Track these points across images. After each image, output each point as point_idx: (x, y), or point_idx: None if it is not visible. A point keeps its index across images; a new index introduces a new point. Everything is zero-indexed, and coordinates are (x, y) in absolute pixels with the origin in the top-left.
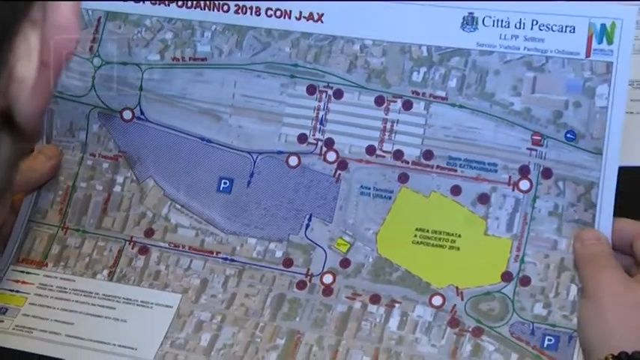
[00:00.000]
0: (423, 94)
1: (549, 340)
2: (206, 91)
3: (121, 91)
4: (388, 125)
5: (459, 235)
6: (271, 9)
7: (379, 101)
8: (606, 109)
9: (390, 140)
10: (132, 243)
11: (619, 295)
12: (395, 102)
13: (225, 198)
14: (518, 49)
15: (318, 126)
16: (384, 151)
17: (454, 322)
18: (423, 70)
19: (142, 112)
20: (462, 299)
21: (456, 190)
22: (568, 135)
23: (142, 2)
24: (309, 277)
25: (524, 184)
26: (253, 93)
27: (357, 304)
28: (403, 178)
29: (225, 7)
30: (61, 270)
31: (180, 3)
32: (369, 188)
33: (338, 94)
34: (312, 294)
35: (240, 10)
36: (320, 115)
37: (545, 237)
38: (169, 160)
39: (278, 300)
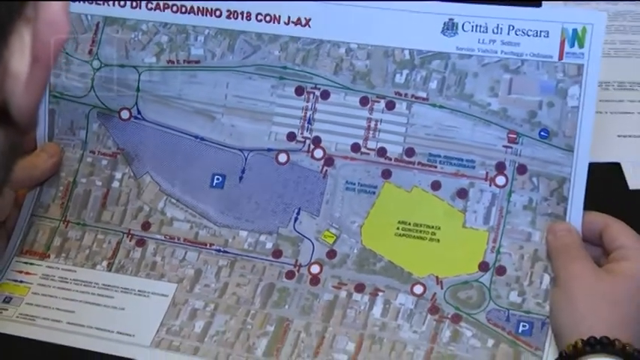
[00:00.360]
0: (405, 94)
1: (524, 326)
2: (200, 92)
3: (119, 92)
4: (372, 124)
5: (439, 228)
6: (261, 14)
7: (364, 101)
8: (577, 109)
9: (374, 138)
10: (130, 235)
11: (588, 284)
12: (379, 102)
13: (218, 193)
14: (496, 52)
15: (306, 125)
16: (368, 149)
17: (434, 310)
18: (405, 72)
19: (139, 112)
20: (442, 288)
21: (436, 186)
22: (542, 133)
23: (138, 8)
24: (297, 268)
25: (500, 180)
26: (245, 94)
27: (343, 293)
28: (386, 174)
29: (218, 13)
30: (63, 261)
31: (175, 8)
32: (354, 184)
33: (325, 95)
34: (300, 283)
35: (231, 16)
36: (308, 115)
37: (520, 229)
38: (165, 157)
39: (268, 289)
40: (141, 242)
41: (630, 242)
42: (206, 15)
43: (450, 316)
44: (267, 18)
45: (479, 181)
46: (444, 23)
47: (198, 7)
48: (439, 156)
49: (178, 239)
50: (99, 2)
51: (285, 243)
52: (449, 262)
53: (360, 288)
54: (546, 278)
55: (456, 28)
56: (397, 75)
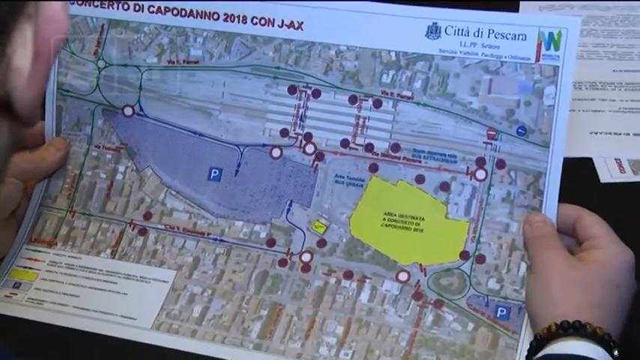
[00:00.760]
0: (392, 93)
1: (502, 310)
2: (198, 90)
3: (122, 90)
4: (360, 121)
5: (423, 219)
6: (256, 17)
7: (352, 100)
8: (553, 108)
9: (362, 134)
10: (132, 225)
11: (562, 272)
12: (366, 101)
13: (215, 185)
14: (477, 54)
15: (298, 122)
16: (356, 144)
17: (418, 296)
18: (391, 72)
19: (141, 109)
20: (425, 275)
21: (420, 179)
22: (519, 130)
23: (141, 11)
24: (289, 256)
25: (480, 174)
26: (240, 92)
27: (332, 280)
28: (373, 168)
29: (216, 16)
30: (69, 249)
31: (175, 12)
32: (343, 177)
33: (316, 94)
34: (292, 270)
35: (228, 19)
36: (300, 112)
37: (499, 220)
38: (166, 152)
39: (262, 276)
40: (142, 231)
41: (601, 232)
42: (204, 18)
43: (432, 301)
44: (262, 21)
45: (460, 175)
46: (428, 27)
47: (197, 11)
48: (423, 151)
49: (178, 229)
50: (104, 6)
51: (278, 233)
52: (432, 251)
53: (348, 275)
54: (523, 266)
55: (440, 31)
56: (384, 75)
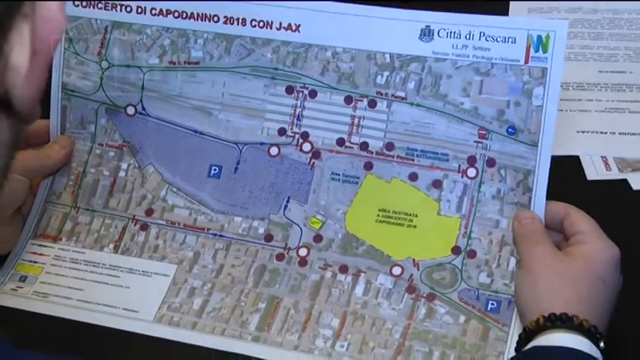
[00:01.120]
0: (386, 94)
1: (492, 304)
2: (199, 90)
3: (125, 90)
4: (356, 121)
5: (416, 215)
6: (255, 20)
7: (348, 100)
8: (541, 108)
9: (357, 134)
10: (134, 221)
11: (550, 266)
12: (362, 101)
13: (215, 182)
14: (468, 56)
15: (296, 121)
16: (352, 143)
17: (411, 289)
18: (386, 73)
19: (143, 108)
20: (418, 269)
21: (413, 177)
22: (509, 130)
23: (143, 13)
24: (287, 251)
25: (471, 172)
26: (240, 92)
27: (328, 274)
28: (368, 166)
29: (216, 19)
30: (73, 244)
31: (176, 14)
32: (339, 174)
33: (312, 94)
34: (289, 265)
35: (228, 21)
36: (297, 112)
37: (489, 217)
38: (167, 150)
39: (260, 270)
40: (144, 227)
41: (588, 228)
42: (205, 20)
43: (425, 295)
44: (261, 24)
45: (452, 173)
46: (422, 30)
47: (198, 13)
48: (416, 150)
49: (178, 224)
50: (107, 8)
51: (276, 228)
52: (425, 247)
53: (343, 269)
54: (512, 261)
55: (432, 34)
56: (378, 76)
